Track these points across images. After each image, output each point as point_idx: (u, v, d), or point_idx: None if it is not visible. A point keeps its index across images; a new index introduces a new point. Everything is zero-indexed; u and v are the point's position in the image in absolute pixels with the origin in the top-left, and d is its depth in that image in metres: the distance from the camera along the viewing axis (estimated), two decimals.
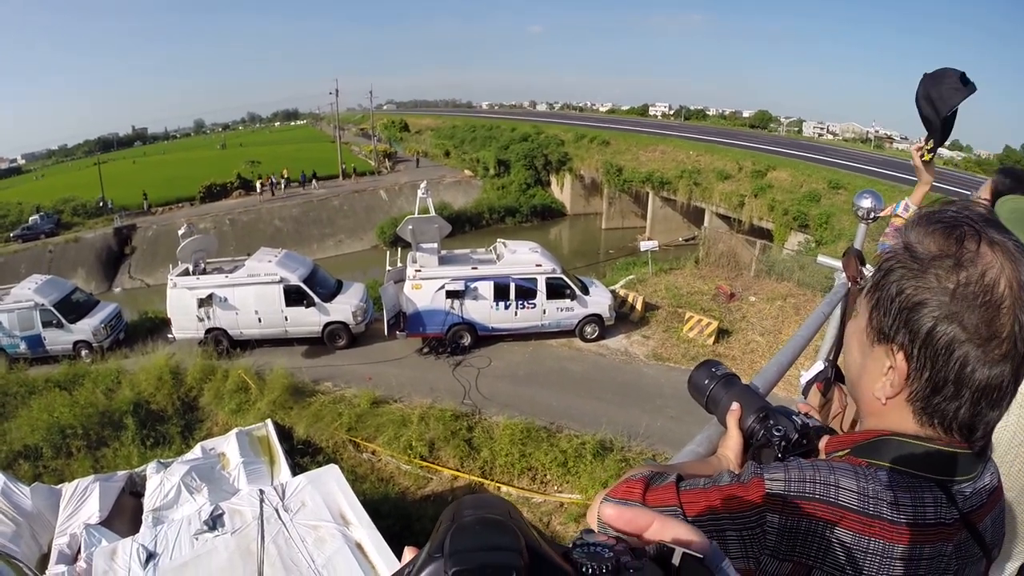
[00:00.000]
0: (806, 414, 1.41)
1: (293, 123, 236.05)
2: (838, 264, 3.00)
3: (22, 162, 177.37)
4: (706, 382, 1.57)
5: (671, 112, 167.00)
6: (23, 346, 23.01)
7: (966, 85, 2.52)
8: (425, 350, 20.39)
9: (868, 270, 2.57)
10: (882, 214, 3.11)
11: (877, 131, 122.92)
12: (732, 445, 1.41)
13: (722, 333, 20.71)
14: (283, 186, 52.52)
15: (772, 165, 41.22)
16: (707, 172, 43.02)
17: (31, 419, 17.88)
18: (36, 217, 49.68)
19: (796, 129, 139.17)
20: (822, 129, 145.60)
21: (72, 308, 23.68)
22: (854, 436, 1.15)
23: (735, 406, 1.45)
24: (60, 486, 12.64)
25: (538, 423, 16.00)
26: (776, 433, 1.33)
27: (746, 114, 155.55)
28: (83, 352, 22.99)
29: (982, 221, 1.00)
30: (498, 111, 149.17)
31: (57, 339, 23.05)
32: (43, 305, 22.80)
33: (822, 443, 1.29)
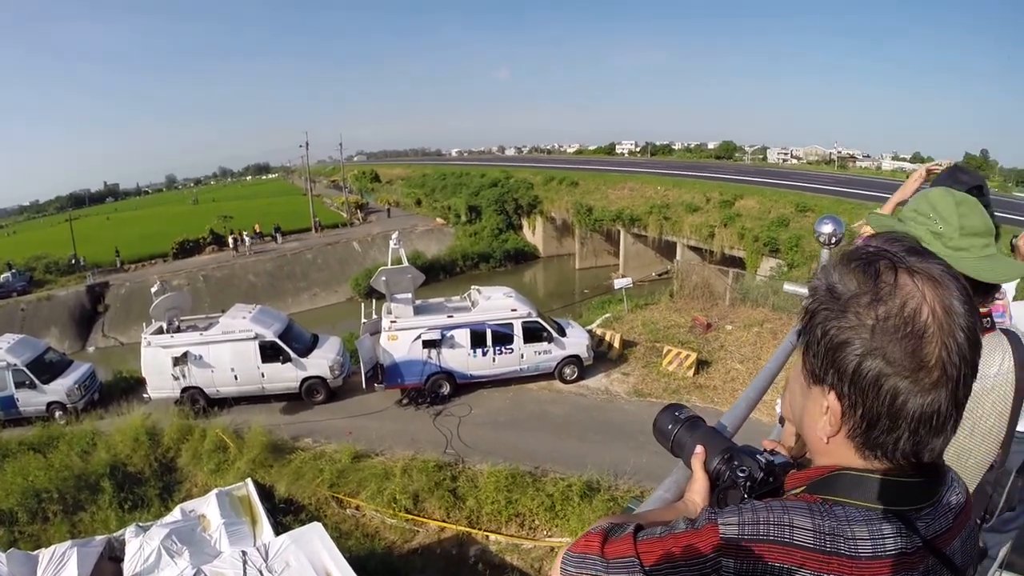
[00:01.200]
0: (771, 451, 1.40)
1: (265, 177, 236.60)
2: (805, 291, 3.02)
3: None
4: (670, 427, 1.57)
5: (637, 149, 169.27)
6: None
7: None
8: (404, 401, 20.24)
9: None
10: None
11: (840, 151, 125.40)
12: (698, 489, 1.40)
13: (702, 364, 20.77)
14: (248, 242, 51.96)
15: (739, 194, 42.01)
16: (676, 206, 43.56)
17: (5, 483, 17.44)
18: (8, 274, 48.77)
19: (761, 156, 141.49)
20: (786, 154, 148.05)
21: (45, 368, 23.24)
22: (809, 473, 1.15)
23: (699, 449, 1.45)
24: (37, 552, 12.34)
25: (523, 468, 15.82)
26: (740, 474, 1.33)
27: (711, 145, 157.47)
28: (57, 413, 22.50)
29: (903, 252, 1.02)
30: (467, 158, 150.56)
31: (30, 400, 22.55)
32: (15, 365, 22.31)
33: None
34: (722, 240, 38.36)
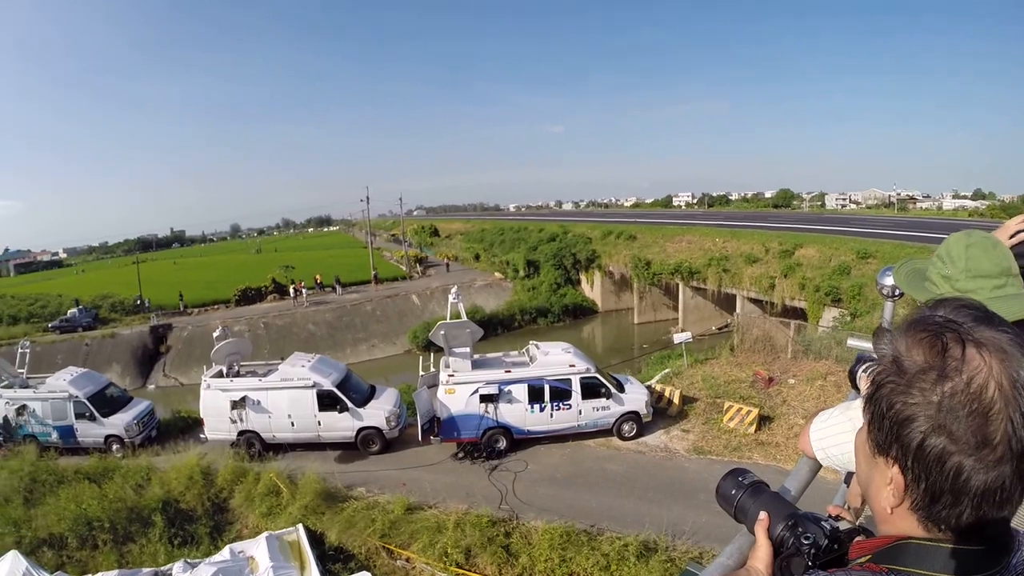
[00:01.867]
0: (836, 516, 1.40)
1: (326, 229, 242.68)
2: (869, 346, 2.86)
3: (64, 256, 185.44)
4: (733, 492, 1.57)
5: (694, 201, 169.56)
6: (55, 435, 23.60)
7: None
8: (460, 455, 20.11)
9: None
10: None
11: (899, 193, 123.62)
12: (762, 556, 1.39)
13: (763, 420, 20.29)
14: (304, 294, 52.67)
15: (799, 243, 41.15)
16: (735, 257, 43.01)
17: (58, 508, 17.91)
18: (75, 310, 50.96)
19: (819, 203, 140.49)
20: (844, 199, 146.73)
21: (106, 402, 24.33)
22: (874, 542, 1.13)
23: (762, 515, 1.44)
24: None
25: (578, 526, 15.48)
26: (805, 541, 1.31)
27: (768, 194, 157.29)
28: (114, 446, 23.39)
29: (971, 322, 1.00)
30: (525, 213, 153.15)
31: (89, 431, 23.59)
32: (77, 397, 23.47)
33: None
34: (783, 291, 37.53)
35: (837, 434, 1.84)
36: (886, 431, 1.03)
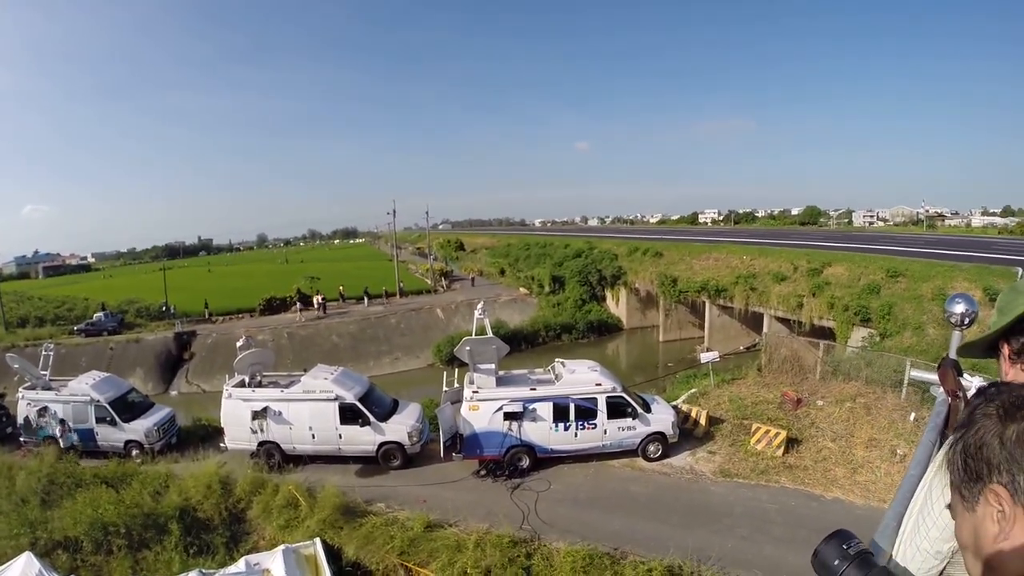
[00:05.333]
0: None
1: (352, 241, 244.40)
2: (934, 377, 2.64)
3: (92, 260, 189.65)
4: (836, 563, 1.36)
5: (720, 218, 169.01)
6: (75, 438, 23.67)
7: None
8: (482, 473, 19.89)
9: (967, 380, 2.38)
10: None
11: (927, 210, 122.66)
12: None
13: (791, 442, 19.90)
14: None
15: (827, 261, 40.58)
16: (763, 276, 42.50)
17: (75, 511, 17.86)
18: (101, 314, 51.83)
19: (846, 220, 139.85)
20: (872, 217, 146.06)
21: (127, 407, 24.53)
22: None
23: None
24: None
25: (601, 549, 15.16)
26: None
27: (795, 211, 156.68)
28: (133, 452, 23.50)
29: None
30: (551, 228, 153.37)
31: (109, 436, 23.77)
32: (98, 401, 23.73)
33: None
34: (811, 310, 36.91)
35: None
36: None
